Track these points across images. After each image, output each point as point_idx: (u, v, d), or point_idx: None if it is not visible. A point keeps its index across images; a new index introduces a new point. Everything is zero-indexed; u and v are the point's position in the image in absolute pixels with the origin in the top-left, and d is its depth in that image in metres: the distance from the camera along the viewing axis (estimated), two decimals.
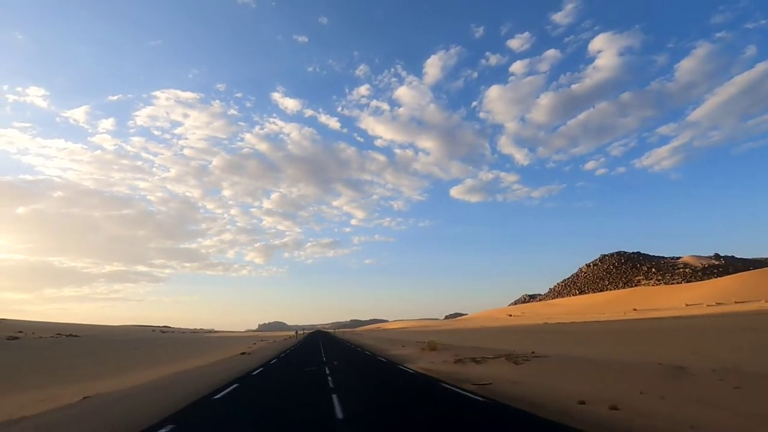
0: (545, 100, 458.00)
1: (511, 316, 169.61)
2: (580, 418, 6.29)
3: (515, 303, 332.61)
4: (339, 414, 7.36)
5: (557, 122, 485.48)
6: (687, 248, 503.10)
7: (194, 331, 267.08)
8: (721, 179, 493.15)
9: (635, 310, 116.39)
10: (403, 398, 9.28)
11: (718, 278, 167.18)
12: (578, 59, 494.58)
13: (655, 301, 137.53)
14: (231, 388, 11.68)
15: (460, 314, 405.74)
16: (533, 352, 17.00)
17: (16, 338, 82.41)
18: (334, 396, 9.26)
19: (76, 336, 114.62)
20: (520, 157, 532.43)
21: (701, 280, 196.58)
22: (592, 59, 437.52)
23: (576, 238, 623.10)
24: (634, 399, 7.27)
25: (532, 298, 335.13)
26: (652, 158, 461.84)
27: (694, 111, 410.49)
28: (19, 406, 11.67)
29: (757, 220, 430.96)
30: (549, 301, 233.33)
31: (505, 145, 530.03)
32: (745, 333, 24.46)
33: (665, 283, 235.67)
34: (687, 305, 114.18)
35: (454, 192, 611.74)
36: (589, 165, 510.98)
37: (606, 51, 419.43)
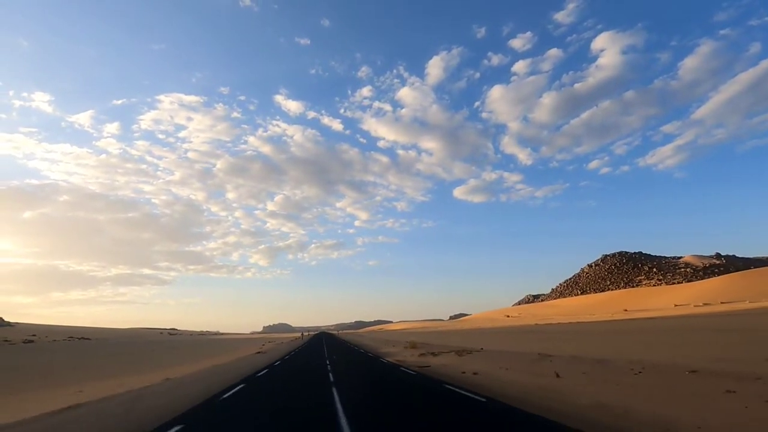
0: (548, 99, 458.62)
1: (508, 317, 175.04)
2: (454, 377, 12.17)
3: (519, 303, 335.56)
4: (331, 379, 13.32)
5: (560, 121, 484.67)
6: (690, 247, 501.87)
7: (201, 334, 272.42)
8: (726, 177, 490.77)
9: (625, 311, 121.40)
10: (371, 375, 15.24)
11: (711, 279, 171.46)
12: (581, 58, 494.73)
13: (648, 302, 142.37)
14: (264, 371, 17.60)
15: (465, 314, 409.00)
16: (481, 348, 22.82)
17: (32, 341, 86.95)
18: (330, 374, 15.15)
19: (87, 339, 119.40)
20: (524, 156, 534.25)
21: (702, 279, 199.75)
22: (594, 58, 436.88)
23: (580, 237, 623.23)
24: (494, 370, 13.10)
25: (535, 298, 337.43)
26: (656, 157, 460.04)
27: (698, 109, 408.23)
28: (123, 384, 17.56)
29: (761, 219, 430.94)
30: (546, 303, 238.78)
31: (508, 144, 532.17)
32: (686, 332, 30.08)
33: (666, 283, 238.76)
34: (676, 306, 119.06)
35: (458, 192, 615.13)
36: (593, 164, 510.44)
37: (609, 50, 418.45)
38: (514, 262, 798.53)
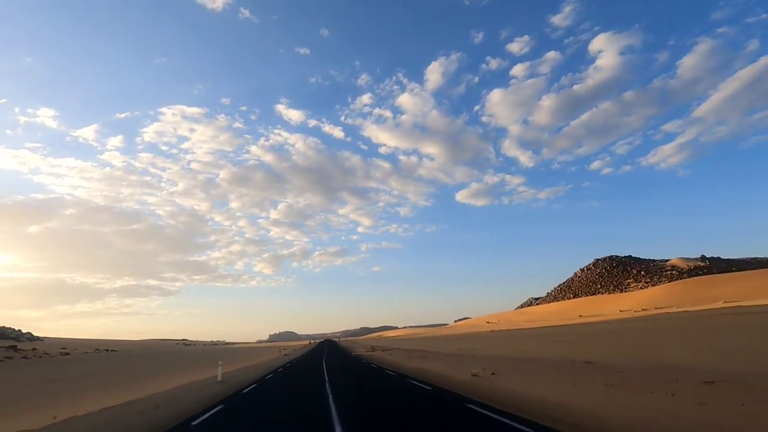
0: (547, 101, 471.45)
1: (488, 323, 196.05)
2: (364, 356, 34.15)
3: (522, 306, 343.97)
4: (324, 358, 35.49)
5: (560, 123, 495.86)
6: (683, 249, 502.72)
7: (214, 344, 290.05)
8: (729, 175, 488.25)
9: (580, 316, 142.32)
10: (339, 357, 37.27)
11: (667, 284, 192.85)
12: (579, 60, 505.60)
13: (605, 308, 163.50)
14: (297, 359, 39.38)
15: (469, 318, 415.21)
16: (398, 348, 44.60)
17: (68, 354, 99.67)
18: (324, 361, 36.86)
19: (114, 351, 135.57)
20: (525, 159, 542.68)
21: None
22: (592, 59, 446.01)
23: (582, 239, 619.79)
24: (383, 356, 34.86)
25: (536, 301, 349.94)
26: (658, 156, 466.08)
27: (698, 107, 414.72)
28: (232, 368, 39.11)
29: (756, 217, 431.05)
30: (520, 310, 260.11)
31: (509, 147, 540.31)
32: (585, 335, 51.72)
33: (653, 285, 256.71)
34: (621, 311, 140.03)
35: (460, 196, 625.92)
36: (595, 165, 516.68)
37: (606, 51, 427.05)
38: (519, 264, 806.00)
